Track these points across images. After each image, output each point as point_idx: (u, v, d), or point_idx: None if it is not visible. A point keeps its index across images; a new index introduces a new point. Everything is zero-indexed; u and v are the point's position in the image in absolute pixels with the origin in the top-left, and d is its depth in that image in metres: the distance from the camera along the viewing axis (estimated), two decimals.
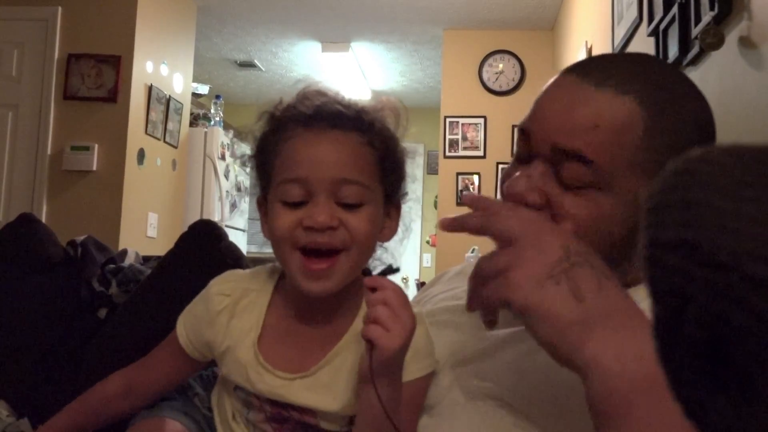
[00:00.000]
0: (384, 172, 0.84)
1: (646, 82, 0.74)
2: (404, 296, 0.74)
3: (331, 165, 0.79)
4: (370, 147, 0.82)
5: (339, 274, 0.80)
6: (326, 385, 0.83)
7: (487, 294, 0.61)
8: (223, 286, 0.91)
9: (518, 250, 0.59)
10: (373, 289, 0.74)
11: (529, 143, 0.77)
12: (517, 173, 0.76)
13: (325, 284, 0.80)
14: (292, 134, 0.82)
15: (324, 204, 0.78)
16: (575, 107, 0.73)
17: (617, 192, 0.71)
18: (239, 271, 0.95)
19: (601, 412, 0.55)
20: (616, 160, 0.71)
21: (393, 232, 0.88)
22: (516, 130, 0.80)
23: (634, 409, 0.53)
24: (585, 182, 0.72)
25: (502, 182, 0.81)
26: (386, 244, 0.89)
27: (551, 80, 0.80)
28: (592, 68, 0.76)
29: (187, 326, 0.93)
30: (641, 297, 0.77)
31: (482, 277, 0.61)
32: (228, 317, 0.88)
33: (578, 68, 0.78)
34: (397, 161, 0.87)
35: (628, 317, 0.57)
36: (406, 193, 0.90)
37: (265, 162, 0.85)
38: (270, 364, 0.84)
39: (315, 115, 0.82)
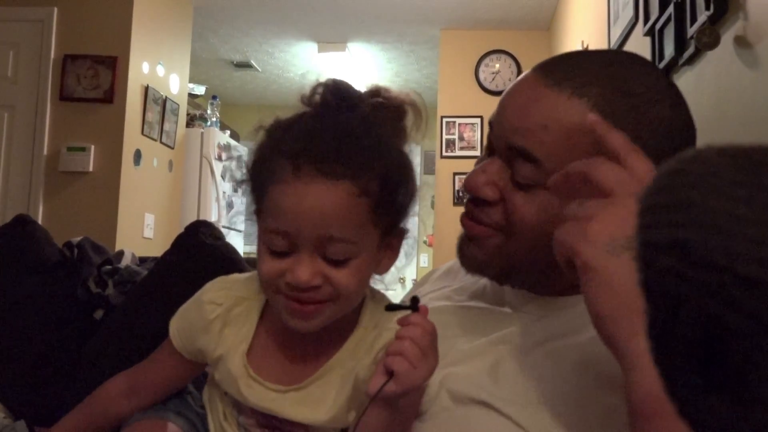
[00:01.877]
0: (380, 216, 0.77)
1: (608, 86, 0.72)
2: (435, 337, 0.72)
3: (317, 221, 0.73)
4: (363, 197, 0.74)
5: (325, 317, 0.77)
6: (318, 399, 0.81)
7: (559, 236, 0.58)
8: (215, 294, 0.88)
9: (608, 205, 0.55)
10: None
11: (492, 137, 0.79)
12: (473, 170, 0.79)
13: (310, 324, 0.77)
14: (279, 177, 0.74)
15: (307, 261, 0.74)
16: (529, 106, 0.74)
17: None
18: (232, 278, 0.92)
19: (639, 411, 0.52)
20: (565, 163, 0.68)
21: (392, 263, 0.83)
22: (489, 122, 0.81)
23: (674, 422, 0.51)
24: (534, 181, 0.73)
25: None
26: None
27: (518, 78, 0.81)
28: (557, 67, 0.76)
29: (180, 331, 0.91)
30: (572, 303, 0.77)
31: (564, 216, 0.58)
32: (221, 325, 0.86)
33: (544, 66, 0.78)
34: (399, 197, 0.79)
35: None
36: (413, 215, 0.84)
37: (255, 191, 0.81)
38: (261, 376, 0.83)
39: (304, 152, 0.73)
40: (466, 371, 0.79)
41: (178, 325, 0.91)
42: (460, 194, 4.96)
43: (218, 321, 0.86)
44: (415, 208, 0.84)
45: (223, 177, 5.09)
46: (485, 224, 0.78)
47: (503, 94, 0.80)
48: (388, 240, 0.81)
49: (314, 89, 0.81)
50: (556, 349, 0.74)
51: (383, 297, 0.88)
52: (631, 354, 0.52)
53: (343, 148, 0.74)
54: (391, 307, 0.76)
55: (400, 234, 0.83)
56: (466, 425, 0.74)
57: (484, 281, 0.91)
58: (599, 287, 0.54)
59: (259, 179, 0.79)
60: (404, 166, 0.80)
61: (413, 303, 0.73)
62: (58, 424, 0.98)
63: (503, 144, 0.76)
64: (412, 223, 0.84)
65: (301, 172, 0.73)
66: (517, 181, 0.74)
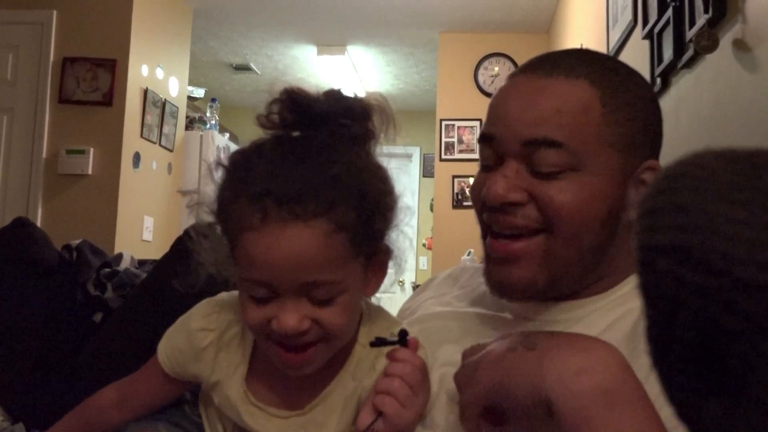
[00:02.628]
0: (361, 246, 0.73)
1: (592, 65, 0.78)
2: (425, 373, 0.71)
3: (294, 269, 0.68)
4: (340, 233, 0.70)
5: (318, 360, 0.75)
6: (321, 424, 0.79)
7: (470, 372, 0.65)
8: (204, 321, 0.84)
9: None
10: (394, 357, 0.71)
11: (494, 148, 0.77)
12: (491, 179, 0.76)
13: (303, 370, 0.75)
14: (247, 224, 0.69)
15: (291, 307, 0.70)
16: (534, 98, 0.75)
17: (593, 170, 0.74)
18: (219, 299, 0.87)
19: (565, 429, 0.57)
20: (585, 138, 0.73)
21: (380, 281, 0.80)
22: (476, 140, 0.81)
23: (595, 424, 0.55)
24: (561, 165, 0.73)
25: (475, 194, 0.80)
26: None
27: (501, 87, 0.82)
28: (538, 64, 0.80)
29: (170, 358, 0.86)
30: (609, 302, 0.77)
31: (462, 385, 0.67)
32: (215, 351, 0.83)
33: (524, 68, 0.81)
34: (377, 221, 0.74)
35: (587, 340, 0.61)
36: (396, 226, 0.79)
37: (226, 235, 0.75)
38: (261, 401, 0.81)
39: (269, 194, 0.68)
40: None
41: (167, 351, 0.86)
42: (459, 197, 4.96)
43: (211, 348, 0.83)
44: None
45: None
46: (524, 227, 0.75)
47: (493, 103, 0.80)
48: (373, 263, 0.77)
49: (269, 107, 0.75)
50: None
51: (379, 310, 0.85)
52: (548, 388, 0.57)
53: (311, 182, 0.68)
54: (377, 343, 0.72)
55: (386, 252, 0.78)
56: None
57: (485, 288, 0.87)
58: (510, 382, 0.61)
59: (227, 225, 0.73)
60: (381, 182, 0.76)
61: (401, 337, 0.70)
62: (50, 430, 0.96)
63: (515, 144, 0.75)
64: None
65: (269, 218, 0.67)
66: (543, 172, 0.74)
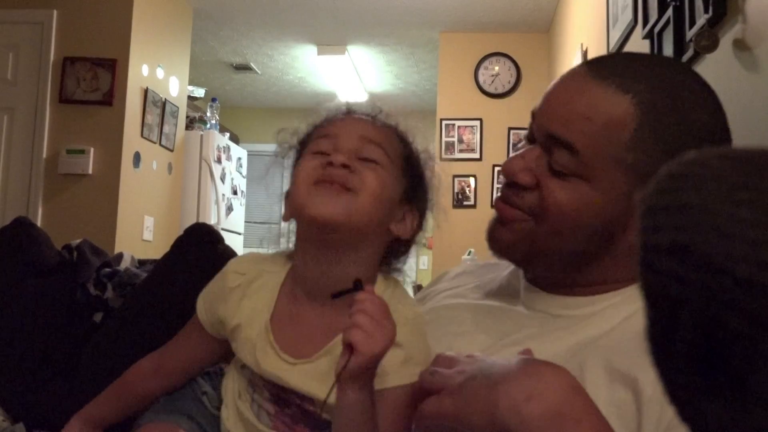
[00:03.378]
0: (407, 166, 0.91)
1: (654, 85, 0.75)
2: (385, 306, 0.76)
3: (360, 128, 0.88)
4: (399, 139, 0.91)
5: (344, 201, 0.83)
6: (324, 374, 0.83)
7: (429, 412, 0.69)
8: (240, 265, 0.94)
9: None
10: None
11: (533, 127, 0.81)
12: (512, 156, 0.82)
13: (330, 206, 0.83)
14: (331, 119, 0.92)
15: (346, 152, 0.85)
16: (573, 98, 0.77)
17: (600, 185, 0.74)
18: (259, 252, 0.98)
19: None
20: (602, 154, 0.74)
21: (409, 230, 0.90)
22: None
23: None
24: (570, 170, 0.75)
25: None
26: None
27: (567, 71, 0.84)
28: (605, 64, 0.79)
29: (205, 302, 0.95)
30: (624, 299, 0.77)
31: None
32: (240, 296, 0.91)
33: (594, 62, 0.81)
34: (420, 169, 0.94)
35: (536, 366, 0.63)
36: (431, 204, 0.94)
37: (303, 144, 0.94)
38: (278, 344, 0.87)
39: (351, 111, 0.93)
40: None
41: (203, 296, 0.96)
42: (460, 197, 4.96)
43: (238, 291, 0.91)
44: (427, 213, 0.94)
45: (222, 179, 5.09)
46: (518, 208, 0.81)
47: (549, 87, 0.83)
48: (410, 205, 0.90)
49: None
50: (570, 347, 0.74)
51: (396, 281, 0.92)
52: (502, 417, 0.60)
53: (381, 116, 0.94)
54: (337, 295, 0.80)
55: (421, 212, 0.92)
56: None
57: (499, 281, 0.93)
58: (467, 415, 0.64)
59: (311, 134, 0.94)
60: (419, 156, 0.95)
61: (356, 285, 0.78)
62: (90, 404, 1.02)
63: (543, 132, 0.78)
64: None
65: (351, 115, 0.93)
66: (554, 169, 0.77)
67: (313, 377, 0.84)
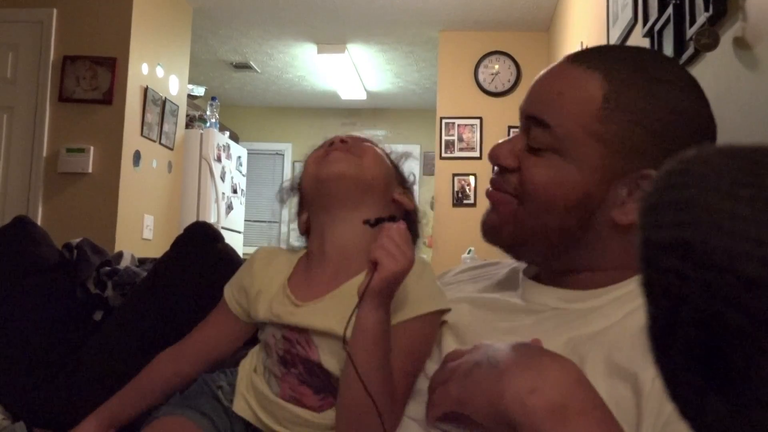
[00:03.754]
0: (393, 163, 1.05)
1: (623, 62, 0.79)
2: (408, 236, 0.84)
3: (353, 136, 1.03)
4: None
5: (351, 159, 0.97)
6: (334, 308, 0.91)
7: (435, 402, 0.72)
8: (265, 249, 1.08)
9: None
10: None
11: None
12: (502, 141, 0.86)
13: (340, 163, 0.96)
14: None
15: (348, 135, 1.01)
16: (550, 81, 0.82)
17: (573, 157, 0.77)
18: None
19: None
20: (573, 126, 0.76)
21: (410, 202, 1.03)
22: None
23: None
24: (546, 145, 0.78)
25: None
26: None
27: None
28: (585, 52, 0.83)
29: (232, 284, 1.05)
30: (627, 293, 0.78)
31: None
32: (263, 266, 1.02)
33: (576, 52, 0.85)
34: (405, 177, 1.07)
35: (541, 357, 0.64)
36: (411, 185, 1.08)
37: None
38: (292, 294, 0.96)
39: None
40: None
41: (231, 281, 1.06)
42: (460, 195, 4.96)
43: (263, 263, 1.03)
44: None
45: (222, 178, 5.09)
46: (503, 191, 0.84)
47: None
48: (405, 188, 1.04)
49: None
50: (570, 339, 0.74)
51: (425, 262, 0.99)
52: (506, 409, 0.62)
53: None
54: (375, 222, 0.90)
55: (410, 192, 1.05)
56: None
57: (498, 277, 0.96)
58: (471, 402, 0.66)
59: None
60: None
61: (391, 217, 0.88)
62: (107, 402, 1.06)
63: (524, 116, 0.83)
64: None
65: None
66: (532, 147, 0.80)
67: (323, 313, 0.91)
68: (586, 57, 0.81)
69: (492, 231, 0.86)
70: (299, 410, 0.92)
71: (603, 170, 0.76)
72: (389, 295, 0.82)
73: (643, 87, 0.76)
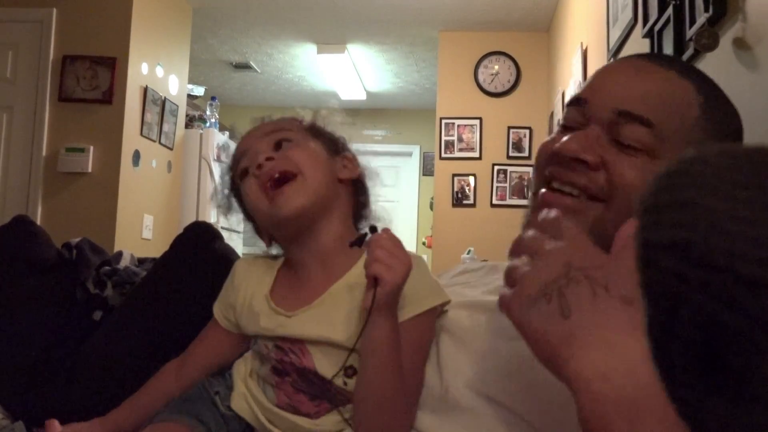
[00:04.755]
0: (314, 131, 1.03)
1: (700, 75, 0.80)
2: (398, 240, 0.84)
3: (260, 131, 1.02)
4: (296, 120, 1.05)
5: (295, 187, 0.94)
6: (324, 314, 0.91)
7: (500, 301, 0.60)
8: (243, 260, 1.08)
9: (527, 268, 0.58)
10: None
11: (584, 111, 0.78)
12: (568, 135, 0.76)
13: (289, 200, 0.93)
14: (240, 142, 1.06)
15: (262, 151, 0.97)
16: (643, 77, 0.77)
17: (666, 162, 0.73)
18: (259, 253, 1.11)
19: (589, 428, 0.52)
20: (676, 130, 0.74)
21: (355, 169, 1.02)
22: (566, 100, 0.85)
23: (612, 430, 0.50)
24: (643, 145, 0.73)
25: (544, 148, 0.80)
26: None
27: (612, 62, 0.85)
28: (654, 54, 0.87)
29: (219, 300, 1.06)
30: None
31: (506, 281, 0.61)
32: (244, 278, 1.03)
33: (641, 54, 0.83)
34: (325, 130, 1.06)
35: (619, 330, 0.53)
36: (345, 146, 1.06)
37: (233, 176, 1.06)
38: (279, 307, 0.95)
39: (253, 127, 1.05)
40: (475, 369, 0.80)
41: (218, 300, 1.06)
42: (459, 196, 4.96)
43: (240, 277, 1.04)
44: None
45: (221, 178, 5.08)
46: (580, 189, 0.75)
47: (598, 72, 0.82)
48: (339, 153, 1.02)
49: None
50: None
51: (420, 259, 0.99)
52: (570, 378, 0.53)
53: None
54: (354, 243, 0.89)
55: (350, 158, 1.03)
56: (475, 420, 0.75)
57: (499, 283, 0.90)
58: (529, 337, 0.56)
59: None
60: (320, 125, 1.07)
61: (372, 229, 0.87)
62: (114, 411, 1.07)
63: (607, 111, 0.75)
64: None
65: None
66: (623, 144, 0.74)
67: (315, 321, 0.91)
68: (667, 60, 0.80)
69: None
70: (296, 418, 0.92)
71: None
72: (395, 304, 0.83)
73: (719, 102, 0.79)
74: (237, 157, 1.02)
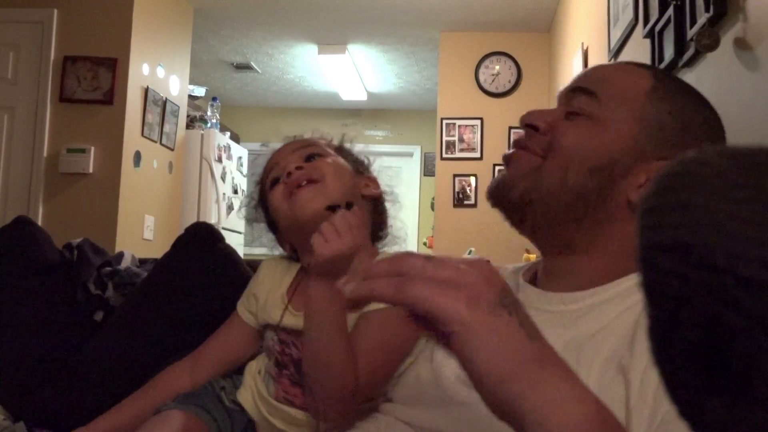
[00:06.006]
0: (342, 151, 1.14)
1: (664, 72, 0.89)
2: (351, 221, 0.89)
3: (291, 146, 1.10)
4: (324, 142, 1.14)
5: (316, 190, 1.00)
6: None
7: (419, 293, 0.50)
8: (270, 260, 1.16)
9: (466, 275, 0.51)
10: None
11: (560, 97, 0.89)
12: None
13: (310, 201, 1.00)
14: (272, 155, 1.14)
15: (292, 162, 1.05)
16: (602, 67, 0.90)
17: (609, 126, 0.81)
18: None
19: None
20: (619, 102, 0.81)
21: (377, 189, 1.12)
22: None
23: None
24: (585, 110, 0.82)
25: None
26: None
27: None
28: (634, 63, 0.90)
29: (244, 295, 1.13)
30: (618, 294, 0.77)
31: (411, 272, 0.52)
32: (269, 274, 1.11)
33: (625, 62, 0.92)
34: (353, 153, 1.17)
35: (561, 361, 0.51)
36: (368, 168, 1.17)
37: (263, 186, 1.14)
38: (291, 304, 1.04)
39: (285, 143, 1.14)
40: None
41: (244, 293, 1.14)
42: (460, 196, 4.96)
43: (266, 272, 1.12)
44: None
45: (222, 178, 5.09)
46: (528, 149, 0.85)
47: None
48: (363, 174, 1.12)
49: None
50: (567, 342, 0.74)
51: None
52: (540, 404, 0.48)
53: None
54: (331, 207, 0.97)
55: (373, 180, 1.13)
56: (469, 414, 0.75)
57: None
58: (483, 348, 0.49)
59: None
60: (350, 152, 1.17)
61: (347, 204, 0.95)
62: (111, 410, 1.10)
63: (567, 91, 0.87)
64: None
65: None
66: (569, 112, 0.84)
67: None
68: (631, 61, 0.89)
69: (501, 188, 0.85)
70: (291, 410, 0.98)
71: (633, 147, 0.80)
72: (333, 274, 0.85)
73: (681, 89, 0.85)
74: (267, 170, 1.10)
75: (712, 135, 0.83)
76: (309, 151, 1.06)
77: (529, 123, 0.86)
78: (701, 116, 0.84)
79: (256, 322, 1.09)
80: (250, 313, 1.11)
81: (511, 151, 0.88)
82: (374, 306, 0.89)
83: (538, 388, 0.48)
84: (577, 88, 0.85)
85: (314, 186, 1.00)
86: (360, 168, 1.13)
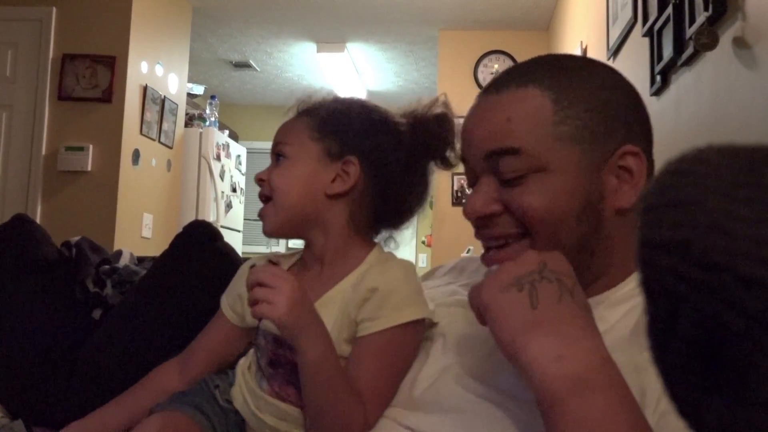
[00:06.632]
0: (320, 130, 0.99)
1: (540, 70, 0.80)
2: (274, 270, 0.84)
3: (274, 140, 1.03)
4: (306, 115, 1.04)
5: (267, 211, 0.98)
6: (321, 315, 0.93)
7: (472, 288, 0.69)
8: (257, 257, 1.08)
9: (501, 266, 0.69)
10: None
11: (469, 168, 0.82)
12: (467, 197, 0.81)
13: (265, 222, 0.99)
14: None
15: (266, 168, 1.01)
16: (486, 114, 0.79)
17: (555, 167, 0.75)
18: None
19: (541, 410, 0.60)
20: (540, 139, 0.75)
21: (350, 181, 0.97)
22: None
23: (567, 408, 0.58)
24: (523, 170, 0.75)
25: (465, 213, 0.83)
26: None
27: (469, 109, 0.86)
28: (492, 83, 0.82)
29: (227, 293, 1.08)
30: (619, 298, 0.77)
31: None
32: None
33: (483, 89, 0.84)
34: (337, 123, 1.01)
35: (578, 327, 0.63)
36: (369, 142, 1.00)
37: None
38: None
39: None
40: (466, 363, 0.81)
41: (226, 291, 1.09)
42: (459, 194, 4.95)
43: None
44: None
45: (221, 177, 5.08)
46: (501, 236, 0.79)
47: (462, 126, 0.85)
48: (342, 155, 0.98)
49: None
50: None
51: (391, 255, 1.01)
52: (527, 361, 0.61)
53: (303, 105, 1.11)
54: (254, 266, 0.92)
55: (353, 163, 0.97)
56: (472, 419, 0.75)
57: None
58: (496, 319, 0.65)
59: None
60: (337, 108, 1.07)
61: (268, 261, 0.90)
62: (96, 411, 1.07)
63: (481, 158, 0.79)
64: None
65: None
66: (507, 180, 0.76)
67: None
68: (503, 82, 0.80)
69: None
70: (282, 404, 0.95)
71: (587, 166, 0.75)
72: (303, 329, 0.83)
73: (572, 80, 0.77)
74: None
75: (630, 97, 0.80)
76: (277, 150, 1.00)
77: (480, 215, 0.79)
78: (607, 88, 0.78)
79: (243, 322, 1.05)
80: (234, 312, 1.06)
81: (490, 254, 0.81)
82: (366, 331, 0.88)
83: (526, 350, 0.61)
84: (493, 153, 0.77)
85: (268, 206, 0.99)
86: (340, 149, 0.98)
